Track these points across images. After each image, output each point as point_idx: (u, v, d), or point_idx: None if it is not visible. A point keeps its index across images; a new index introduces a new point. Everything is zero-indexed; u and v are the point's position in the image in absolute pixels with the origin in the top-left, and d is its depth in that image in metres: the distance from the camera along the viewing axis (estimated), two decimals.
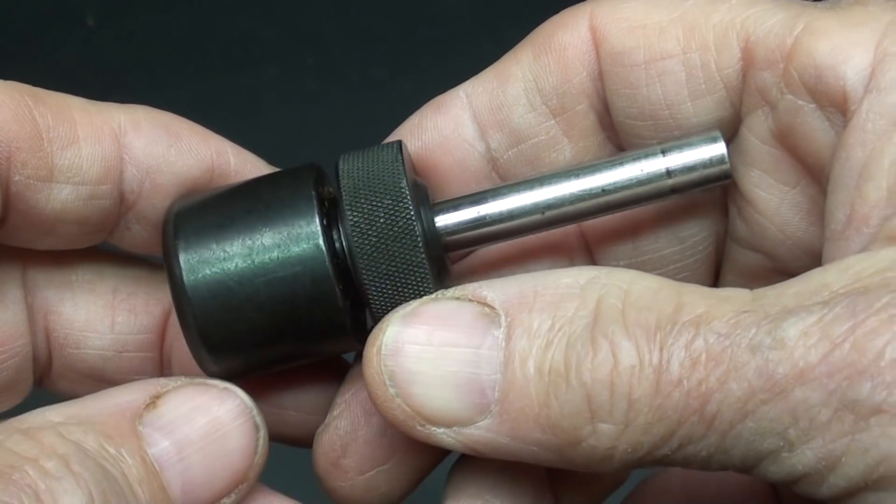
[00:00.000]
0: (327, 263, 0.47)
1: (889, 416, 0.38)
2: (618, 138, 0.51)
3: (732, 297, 0.41)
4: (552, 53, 0.50)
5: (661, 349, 0.40)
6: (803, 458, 0.39)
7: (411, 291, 0.47)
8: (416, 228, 0.47)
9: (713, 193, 0.52)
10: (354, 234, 0.47)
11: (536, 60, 0.51)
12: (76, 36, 1.23)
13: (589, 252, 0.54)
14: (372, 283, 0.47)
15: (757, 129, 0.48)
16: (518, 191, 0.49)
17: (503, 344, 0.43)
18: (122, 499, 0.43)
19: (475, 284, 0.45)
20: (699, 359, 0.40)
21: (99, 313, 0.54)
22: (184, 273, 0.48)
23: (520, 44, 0.52)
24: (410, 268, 0.47)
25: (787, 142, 0.47)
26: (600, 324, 0.42)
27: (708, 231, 0.52)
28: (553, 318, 0.42)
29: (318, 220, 0.47)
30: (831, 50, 0.44)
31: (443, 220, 0.49)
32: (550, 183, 0.49)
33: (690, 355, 0.40)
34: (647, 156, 0.48)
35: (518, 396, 0.42)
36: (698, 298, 0.41)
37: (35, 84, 0.50)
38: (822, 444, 0.39)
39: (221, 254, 0.48)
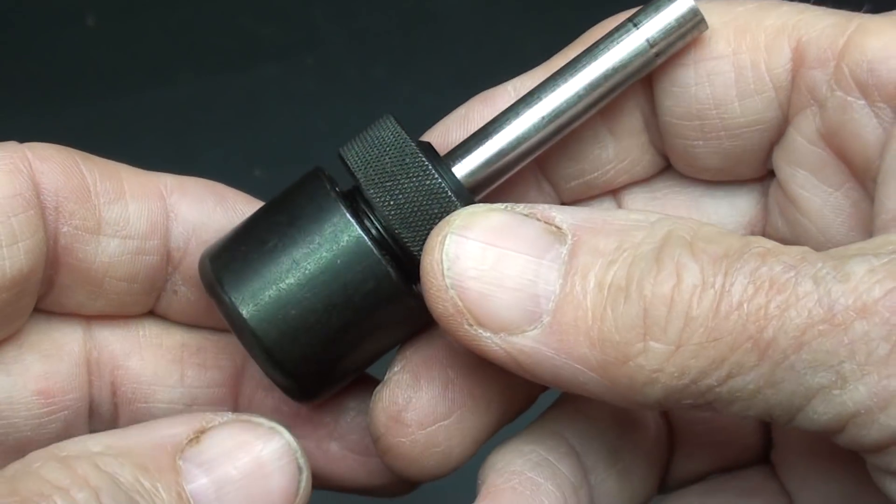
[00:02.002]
0: (363, 237, 0.47)
1: None
2: (661, 141, 0.52)
3: (798, 246, 0.42)
4: None
5: (725, 273, 0.40)
6: (855, 394, 0.39)
7: None
8: (440, 182, 0.47)
9: (751, 192, 0.52)
10: (383, 207, 0.47)
11: None
12: (76, 36, 1.23)
13: None
14: (415, 241, 0.47)
15: (805, 128, 0.48)
16: (518, 113, 0.49)
17: (566, 258, 0.43)
18: None
19: (545, 206, 0.45)
20: (762, 285, 0.40)
21: (167, 367, 0.54)
22: (240, 310, 0.48)
23: (570, 45, 0.52)
24: (444, 215, 0.47)
25: (834, 141, 0.48)
26: (668, 248, 0.41)
27: (745, 231, 0.53)
28: (620, 241, 0.42)
29: (332, 197, 0.48)
30: (884, 45, 0.45)
31: (460, 169, 0.49)
32: (544, 95, 0.49)
33: (754, 281, 0.40)
34: (622, 34, 0.48)
35: (573, 308, 0.42)
36: (766, 240, 0.42)
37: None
38: (877, 380, 0.38)
39: (266, 278, 0.48)
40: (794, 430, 0.51)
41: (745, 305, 0.40)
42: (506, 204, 0.45)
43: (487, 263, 0.43)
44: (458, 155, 0.49)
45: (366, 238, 0.47)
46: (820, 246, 0.49)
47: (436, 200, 0.47)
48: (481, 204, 0.46)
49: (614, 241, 0.42)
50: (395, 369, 0.51)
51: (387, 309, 0.48)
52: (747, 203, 0.53)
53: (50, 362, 0.51)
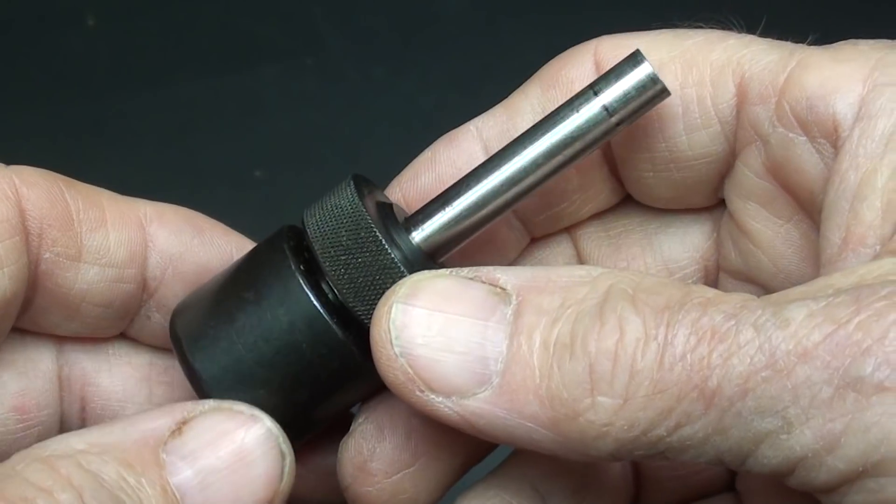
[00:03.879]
0: (315, 304, 0.48)
1: (892, 394, 0.38)
2: (618, 172, 0.53)
3: (739, 294, 0.42)
4: (560, 87, 0.52)
5: (667, 325, 0.41)
6: (802, 438, 0.39)
7: None
8: (393, 254, 0.48)
9: (703, 225, 0.54)
10: (338, 281, 0.48)
11: (545, 94, 0.52)
12: (76, 36, 1.23)
13: None
14: (368, 314, 0.48)
15: (752, 163, 0.49)
16: (479, 178, 0.50)
17: (511, 319, 0.43)
18: None
19: (489, 268, 0.45)
20: (704, 336, 0.40)
21: (136, 385, 0.55)
22: (195, 363, 0.49)
23: (528, 81, 0.53)
24: (394, 280, 0.48)
25: (780, 175, 0.48)
26: (610, 302, 0.42)
27: (698, 265, 0.54)
28: (563, 298, 0.43)
29: (294, 272, 0.49)
30: (822, 82, 0.46)
31: (418, 234, 0.50)
32: (504, 161, 0.49)
33: (696, 332, 0.40)
34: (581, 101, 0.48)
35: (521, 368, 0.42)
36: (707, 290, 0.42)
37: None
38: (822, 423, 0.39)
39: (236, 359, 0.49)
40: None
41: (688, 356, 0.40)
42: (450, 269, 0.46)
43: (434, 329, 0.44)
44: (418, 220, 0.50)
45: (335, 328, 0.48)
46: (773, 276, 0.51)
47: (389, 276, 0.48)
48: (426, 271, 0.46)
49: (558, 299, 0.43)
50: (360, 420, 0.52)
51: (352, 383, 0.50)
52: (700, 238, 0.54)
53: (25, 379, 0.53)
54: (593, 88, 0.48)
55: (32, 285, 0.50)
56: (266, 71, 1.23)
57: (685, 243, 0.54)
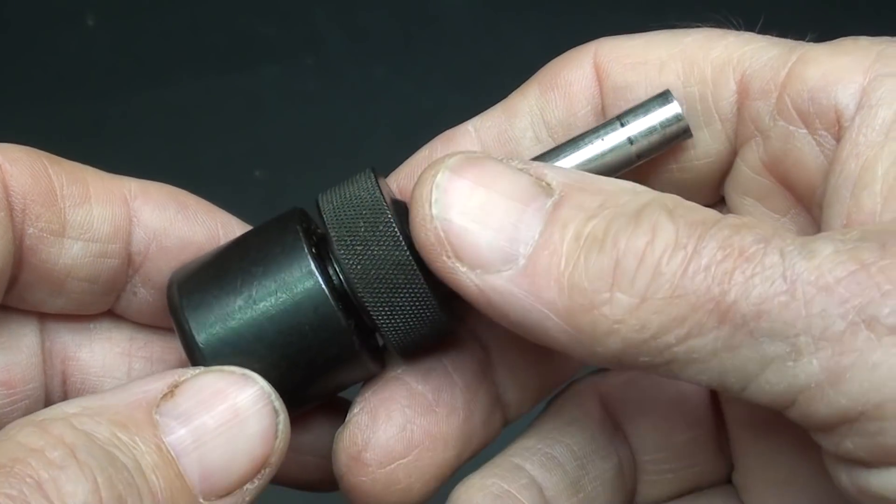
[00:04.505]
0: (324, 289, 0.48)
1: None
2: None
3: (772, 223, 0.44)
4: (558, 89, 0.52)
5: (699, 238, 0.41)
6: (808, 367, 0.40)
7: (411, 310, 0.49)
8: (408, 255, 0.48)
9: None
10: (350, 271, 0.48)
11: (543, 95, 0.53)
12: (76, 36, 1.24)
13: None
14: (375, 307, 0.49)
15: (750, 159, 0.50)
16: None
17: (550, 209, 0.44)
18: (132, 486, 0.43)
19: (539, 163, 0.46)
20: (731, 252, 0.41)
21: (116, 360, 0.55)
22: (193, 331, 0.49)
23: (526, 82, 0.54)
24: (407, 287, 0.48)
25: (779, 170, 0.49)
26: (648, 210, 0.43)
27: None
28: (604, 200, 0.44)
29: (307, 254, 0.49)
30: (823, 74, 0.46)
31: None
32: None
33: (724, 248, 0.41)
34: (606, 130, 0.50)
35: (548, 254, 0.43)
36: (742, 217, 0.43)
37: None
38: (830, 356, 0.39)
39: (225, 306, 0.49)
40: (748, 417, 0.52)
41: (712, 268, 0.41)
42: (502, 157, 0.46)
43: (474, 202, 0.45)
44: None
45: (340, 315, 0.48)
46: None
47: (401, 272, 0.48)
48: (478, 150, 0.47)
49: (599, 199, 0.44)
50: (355, 411, 0.52)
51: (346, 370, 0.50)
52: None
53: (9, 354, 0.53)
54: (620, 120, 0.50)
55: (17, 261, 0.50)
56: (266, 71, 1.23)
57: None
